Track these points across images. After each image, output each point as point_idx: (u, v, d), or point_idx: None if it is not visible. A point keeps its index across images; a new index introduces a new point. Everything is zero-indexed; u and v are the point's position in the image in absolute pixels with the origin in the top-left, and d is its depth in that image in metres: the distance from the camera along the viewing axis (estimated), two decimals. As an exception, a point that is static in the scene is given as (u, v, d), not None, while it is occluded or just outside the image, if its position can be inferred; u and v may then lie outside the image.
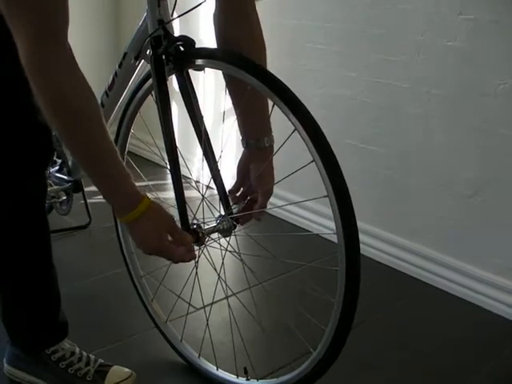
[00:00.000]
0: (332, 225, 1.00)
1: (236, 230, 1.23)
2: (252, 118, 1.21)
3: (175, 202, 1.17)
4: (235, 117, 1.22)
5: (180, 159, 1.16)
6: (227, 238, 1.24)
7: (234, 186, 1.27)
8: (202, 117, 1.19)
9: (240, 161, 1.25)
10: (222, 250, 1.25)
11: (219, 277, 1.30)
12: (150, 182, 1.61)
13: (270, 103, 1.07)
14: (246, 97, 1.13)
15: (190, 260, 1.09)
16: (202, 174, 1.22)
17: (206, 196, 1.24)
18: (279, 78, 1.04)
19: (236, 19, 1.15)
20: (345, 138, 2.05)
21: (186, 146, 2.37)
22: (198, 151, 1.42)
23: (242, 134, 1.23)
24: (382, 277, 1.92)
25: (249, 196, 1.24)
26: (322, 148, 0.99)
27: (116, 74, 1.41)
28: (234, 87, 1.21)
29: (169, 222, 1.06)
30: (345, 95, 2.03)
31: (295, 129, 1.01)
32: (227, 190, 1.25)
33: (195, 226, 1.19)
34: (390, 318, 1.69)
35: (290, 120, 1.01)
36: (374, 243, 2.02)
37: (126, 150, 1.40)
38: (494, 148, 1.70)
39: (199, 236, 1.17)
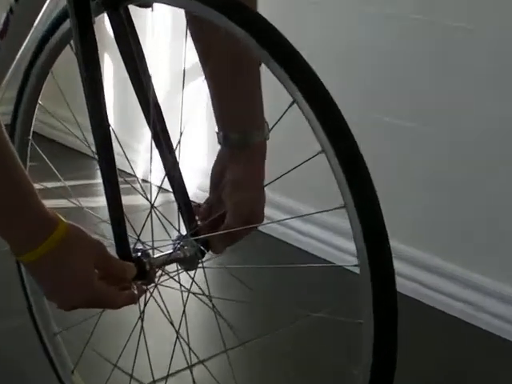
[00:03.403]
0: (352, 248, 1.01)
1: (205, 259, 1.24)
2: (235, 97, 1.22)
3: (107, 214, 1.18)
4: (205, 82, 1.23)
5: (116, 146, 1.17)
6: (191, 272, 1.25)
7: (206, 201, 1.29)
8: (150, 78, 1.20)
9: (214, 166, 1.27)
10: (182, 291, 1.26)
11: (178, 335, 1.31)
12: (68, 182, 1.60)
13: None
14: (217, 51, 1.14)
15: (136, 302, 1.11)
16: (151, 169, 1.24)
17: (156, 205, 1.24)
18: (267, 19, 1.05)
19: None
20: (374, 109, 2.07)
21: (126, 125, 2.40)
22: (145, 134, 1.41)
23: (217, 122, 1.24)
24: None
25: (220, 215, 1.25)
26: (335, 130, 1.00)
27: (11, 10, 1.39)
28: (203, 39, 1.21)
29: (96, 250, 1.06)
30: (369, 42, 2.05)
31: (294, 100, 1.01)
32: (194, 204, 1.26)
33: (140, 254, 1.19)
34: None
35: (285, 87, 1.02)
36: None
37: (31, 130, 1.41)
38: None
39: (146, 269, 1.17)
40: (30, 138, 1.40)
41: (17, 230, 1.02)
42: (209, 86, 1.23)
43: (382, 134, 2.10)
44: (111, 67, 2.40)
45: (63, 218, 1.04)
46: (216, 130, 1.24)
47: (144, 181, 1.52)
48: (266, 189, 1.26)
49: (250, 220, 1.24)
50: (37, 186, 1.02)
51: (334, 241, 2.19)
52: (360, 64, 2.11)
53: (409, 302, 2.05)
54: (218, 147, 1.26)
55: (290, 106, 1.01)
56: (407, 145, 2.07)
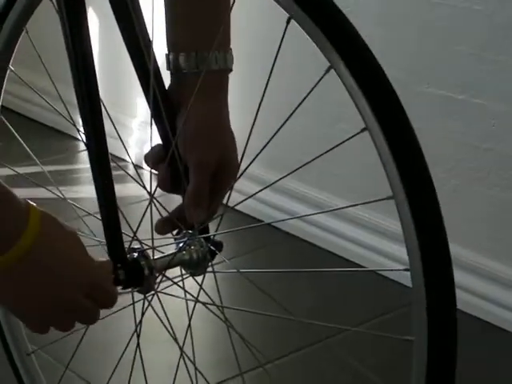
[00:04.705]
0: (397, 253, 0.97)
1: (215, 261, 1.23)
2: (189, 3, 1.21)
3: (95, 207, 1.16)
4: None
5: (107, 124, 1.16)
6: (199, 278, 1.25)
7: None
8: (150, 42, 1.20)
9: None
10: (188, 300, 1.25)
11: (182, 353, 1.30)
12: (47, 167, 1.60)
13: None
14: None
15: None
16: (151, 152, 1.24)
17: (156, 195, 1.23)
18: None
19: None
20: (425, 81, 2.05)
21: (116, 97, 2.40)
22: (139, 107, 1.39)
23: (167, 41, 1.23)
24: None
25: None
26: (382, 102, 1.00)
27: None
28: None
29: (76, 246, 1.03)
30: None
31: (330, 66, 1.01)
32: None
33: (137, 255, 1.18)
34: None
35: (320, 50, 1.01)
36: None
37: (0, 103, 1.40)
38: None
39: (145, 274, 1.16)
40: (-1, 112, 1.41)
41: None
42: None
43: (436, 109, 2.05)
44: (97, 25, 2.38)
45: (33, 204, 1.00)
46: (166, 51, 1.23)
47: (139, 167, 1.50)
48: (288, 178, 1.25)
49: (230, 175, 1.23)
50: (6, 170, 0.99)
51: (376, 243, 2.14)
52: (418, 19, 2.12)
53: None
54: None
55: (327, 72, 1.01)
56: (478, 128, 2.03)
